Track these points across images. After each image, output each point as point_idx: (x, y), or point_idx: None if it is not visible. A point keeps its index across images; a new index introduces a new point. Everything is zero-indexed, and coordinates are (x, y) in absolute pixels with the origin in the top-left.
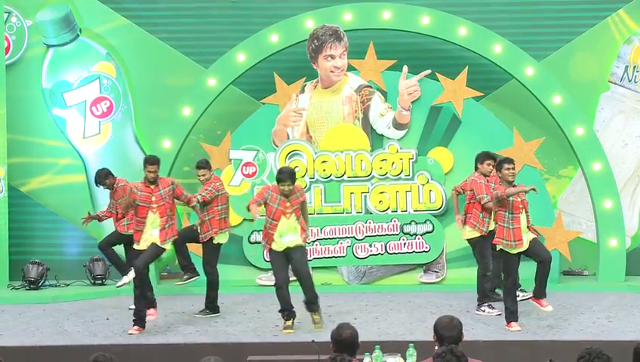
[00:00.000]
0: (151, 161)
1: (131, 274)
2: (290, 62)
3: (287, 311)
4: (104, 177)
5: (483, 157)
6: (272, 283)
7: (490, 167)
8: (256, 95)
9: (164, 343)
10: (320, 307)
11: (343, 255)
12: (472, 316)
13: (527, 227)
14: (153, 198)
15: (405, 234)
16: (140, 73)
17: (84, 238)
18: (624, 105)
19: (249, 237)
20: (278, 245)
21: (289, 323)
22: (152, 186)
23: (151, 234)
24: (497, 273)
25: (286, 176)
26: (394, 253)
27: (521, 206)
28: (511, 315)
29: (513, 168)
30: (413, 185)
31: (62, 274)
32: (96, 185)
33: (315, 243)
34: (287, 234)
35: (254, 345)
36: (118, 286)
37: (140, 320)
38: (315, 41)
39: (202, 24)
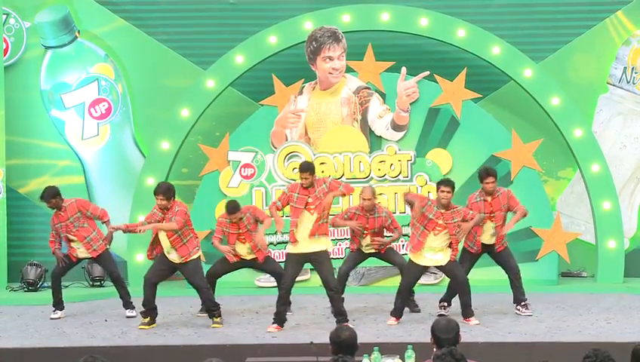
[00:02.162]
0: (305, 169)
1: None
2: (288, 64)
3: (145, 311)
4: (51, 196)
5: (483, 175)
6: (271, 284)
7: (490, 185)
8: (255, 96)
9: (163, 345)
10: (220, 312)
11: (342, 256)
12: None
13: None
14: (310, 200)
15: (404, 236)
16: (138, 75)
17: None
18: (622, 106)
19: None
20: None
21: (145, 320)
22: (309, 188)
23: (316, 237)
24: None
25: (159, 190)
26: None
27: (438, 227)
28: (395, 311)
29: (449, 191)
30: (411, 186)
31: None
32: (41, 200)
33: None
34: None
35: (253, 346)
36: (52, 319)
37: (280, 320)
38: (314, 43)
39: (201, 25)
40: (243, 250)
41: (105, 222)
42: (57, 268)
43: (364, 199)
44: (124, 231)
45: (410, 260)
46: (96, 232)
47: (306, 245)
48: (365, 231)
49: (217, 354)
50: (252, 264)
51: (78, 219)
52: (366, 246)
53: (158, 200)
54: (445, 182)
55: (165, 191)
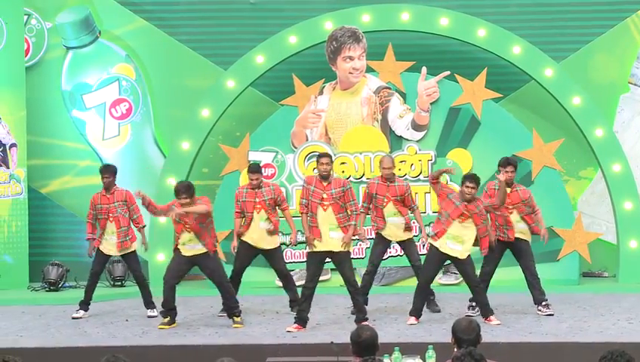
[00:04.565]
0: (324, 155)
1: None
2: (308, 64)
3: (165, 311)
4: (113, 172)
5: (502, 163)
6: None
7: (509, 174)
8: (275, 97)
9: (183, 344)
10: (240, 311)
11: (362, 256)
12: None
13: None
14: (325, 196)
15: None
16: (159, 75)
17: None
18: None
19: None
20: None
21: (165, 320)
22: (325, 183)
23: (330, 236)
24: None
25: (181, 189)
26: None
27: (461, 215)
28: (415, 310)
29: (473, 187)
30: None
31: (82, 276)
32: (105, 176)
33: None
34: (189, 243)
35: (273, 346)
36: (73, 318)
37: (301, 320)
38: (334, 43)
39: (221, 26)
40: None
41: (140, 228)
42: (95, 266)
43: (384, 168)
44: (153, 211)
45: (430, 246)
46: (128, 227)
47: (326, 242)
48: (386, 199)
49: (238, 354)
50: (263, 253)
51: (122, 206)
52: (389, 216)
53: (182, 199)
54: (470, 178)
55: (187, 188)
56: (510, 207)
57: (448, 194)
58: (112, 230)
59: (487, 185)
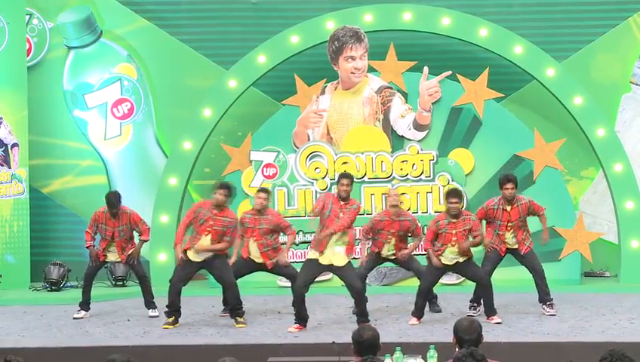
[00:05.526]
0: (345, 176)
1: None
2: (310, 64)
3: (170, 311)
4: (119, 199)
5: (502, 181)
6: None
7: (509, 190)
8: (277, 96)
9: (185, 344)
10: (244, 311)
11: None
12: None
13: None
14: (341, 214)
15: None
16: (160, 75)
17: None
18: None
19: None
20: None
21: (170, 319)
22: (343, 203)
23: (334, 251)
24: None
25: (223, 185)
26: (415, 255)
27: (454, 238)
28: (416, 311)
29: (457, 202)
30: (433, 186)
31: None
32: (114, 207)
33: None
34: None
35: (275, 346)
36: (75, 318)
37: (301, 319)
38: (336, 43)
39: (223, 26)
40: (254, 250)
41: (142, 241)
42: (90, 268)
43: (392, 206)
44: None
45: (429, 264)
46: (129, 243)
47: (328, 258)
48: (391, 236)
49: (239, 354)
50: (264, 268)
51: (125, 230)
52: (387, 252)
53: (219, 194)
54: (453, 194)
55: (229, 186)
56: (510, 224)
57: (436, 231)
58: (113, 246)
59: (487, 204)
